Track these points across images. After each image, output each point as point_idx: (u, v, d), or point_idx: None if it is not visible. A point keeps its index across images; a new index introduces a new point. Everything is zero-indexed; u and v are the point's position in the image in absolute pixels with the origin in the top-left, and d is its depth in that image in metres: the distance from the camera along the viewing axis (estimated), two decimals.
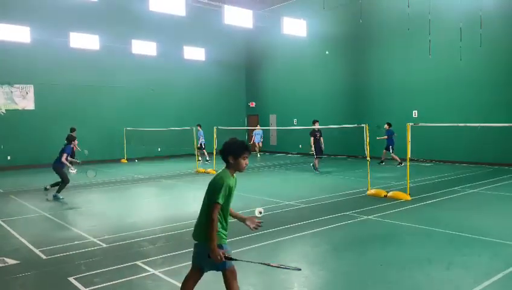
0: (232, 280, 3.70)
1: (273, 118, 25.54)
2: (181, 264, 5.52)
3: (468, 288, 4.55)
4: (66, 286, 4.92)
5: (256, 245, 6.34)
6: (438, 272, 5.10)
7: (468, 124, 12.04)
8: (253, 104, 26.85)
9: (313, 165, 15.31)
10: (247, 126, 26.20)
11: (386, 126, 16.75)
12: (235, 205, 9.71)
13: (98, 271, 5.34)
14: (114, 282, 4.97)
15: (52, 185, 11.03)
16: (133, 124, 21.43)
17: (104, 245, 6.55)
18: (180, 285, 4.73)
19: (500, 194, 10.20)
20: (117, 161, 21.07)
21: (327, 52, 21.68)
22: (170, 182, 13.61)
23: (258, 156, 21.68)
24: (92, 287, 4.80)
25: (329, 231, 7.20)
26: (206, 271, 3.77)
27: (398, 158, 16.28)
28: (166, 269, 5.36)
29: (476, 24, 15.31)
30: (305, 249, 6.42)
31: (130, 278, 5.09)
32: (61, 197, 10.59)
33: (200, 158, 19.92)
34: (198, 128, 19.60)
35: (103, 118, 21.18)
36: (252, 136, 23.27)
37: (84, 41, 19.14)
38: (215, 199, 3.62)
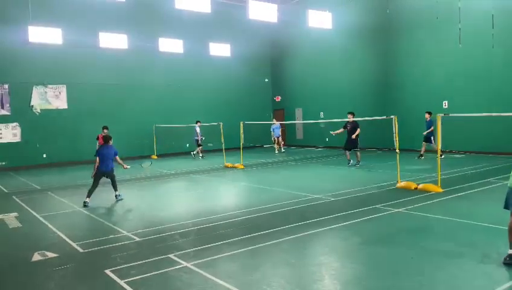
0: None
1: (299, 112, 25.45)
2: (212, 257, 5.64)
3: (504, 282, 4.47)
4: (103, 277, 5.12)
5: (287, 238, 6.39)
6: (472, 265, 5.01)
7: (501, 114, 11.65)
8: (278, 99, 26.81)
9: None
10: (273, 121, 26.18)
11: (426, 116, 15.94)
12: (262, 199, 9.84)
13: (133, 264, 5.52)
14: (149, 274, 5.13)
15: (115, 188, 10.34)
16: (162, 121, 21.82)
17: (138, 239, 6.75)
18: (214, 278, 4.89)
19: None
20: (147, 157, 21.51)
21: (266, 80, 21.35)
22: (200, 177, 13.82)
23: (283, 150, 21.62)
24: (128, 279, 4.97)
25: (359, 224, 7.17)
26: None
27: (423, 150, 15.93)
28: (198, 261, 5.49)
29: (509, 10, 14.75)
30: (335, 242, 6.42)
31: (164, 270, 5.24)
32: (122, 197, 10.25)
33: (194, 153, 20.18)
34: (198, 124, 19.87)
35: (133, 116, 21.67)
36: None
37: (112, 41, 19.59)
38: None
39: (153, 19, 22.00)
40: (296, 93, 25.52)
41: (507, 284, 4.40)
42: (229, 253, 5.82)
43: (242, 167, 15.59)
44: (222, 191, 11.51)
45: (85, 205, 9.60)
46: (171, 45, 21.65)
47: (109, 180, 10.31)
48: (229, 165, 16.03)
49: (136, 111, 21.76)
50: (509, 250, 4.86)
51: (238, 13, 22.14)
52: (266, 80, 21.84)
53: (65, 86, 20.04)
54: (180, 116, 22.44)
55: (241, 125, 16.35)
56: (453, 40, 16.61)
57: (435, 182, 9.88)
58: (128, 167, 10.81)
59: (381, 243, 6.09)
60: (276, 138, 22.12)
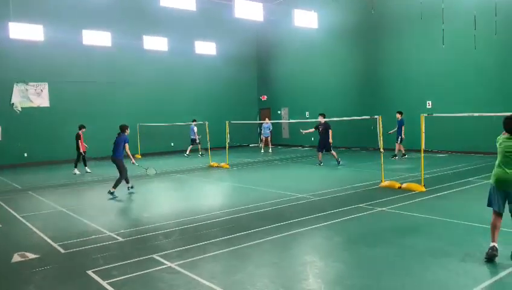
0: None
1: (285, 111, 25.50)
2: (196, 257, 5.60)
3: (485, 279, 4.53)
4: (84, 279, 5.03)
5: (271, 237, 6.38)
6: (455, 263, 5.07)
7: (482, 114, 11.85)
8: (264, 98, 26.82)
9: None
10: (259, 120, 26.19)
11: (398, 116, 16.31)
12: (246, 198, 9.82)
13: (116, 264, 5.44)
14: (132, 275, 5.06)
15: (116, 182, 10.43)
16: (146, 120, 21.62)
17: (121, 239, 6.66)
18: (198, 278, 4.85)
19: None
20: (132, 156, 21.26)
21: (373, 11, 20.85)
22: (184, 177, 13.72)
23: (270, 151, 21.59)
24: (110, 280, 4.89)
25: (343, 223, 7.20)
26: None
27: (403, 149, 16.12)
28: (182, 262, 5.44)
29: (491, 11, 15.01)
30: (319, 241, 6.44)
31: (147, 271, 5.18)
32: (116, 196, 10.13)
33: (200, 153, 20.11)
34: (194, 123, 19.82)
35: (116, 114, 21.35)
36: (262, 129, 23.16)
37: (96, 38, 19.31)
38: None
39: (137, 16, 21.77)
40: (282, 93, 25.56)
41: (489, 281, 4.47)
42: (212, 253, 5.78)
43: (227, 166, 15.54)
44: (206, 191, 11.45)
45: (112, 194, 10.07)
46: (155, 43, 21.44)
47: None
48: (214, 164, 15.96)
49: (120, 109, 21.48)
50: (491, 243, 4.94)
51: (223, 11, 22.07)
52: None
53: (47, 83, 19.69)
54: (164, 115, 22.27)
55: (227, 124, 16.30)
56: (436, 41, 16.83)
57: (418, 182, 10.00)
58: (135, 163, 10.73)
59: (365, 242, 6.12)
60: (264, 138, 22.11)
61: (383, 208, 8.07)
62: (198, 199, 10.33)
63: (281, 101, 25.67)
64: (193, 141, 20.17)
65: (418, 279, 4.68)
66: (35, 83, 19.42)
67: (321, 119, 14.90)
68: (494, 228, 5.08)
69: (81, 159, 15.52)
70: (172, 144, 22.46)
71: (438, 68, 17.57)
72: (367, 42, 20.56)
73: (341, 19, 21.40)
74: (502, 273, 4.65)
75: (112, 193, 10.22)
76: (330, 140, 14.68)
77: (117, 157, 10.35)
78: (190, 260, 5.53)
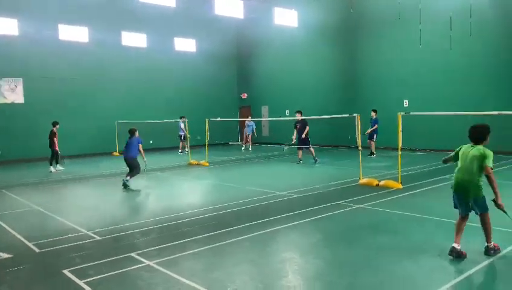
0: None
1: (265, 109, 25.54)
2: (175, 255, 5.55)
3: (458, 274, 4.64)
4: (60, 278, 4.93)
5: (250, 235, 6.38)
6: (430, 259, 5.17)
7: (458, 113, 12.14)
8: (245, 96, 26.80)
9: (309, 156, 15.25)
10: (239, 118, 26.15)
11: (372, 114, 16.55)
12: (226, 196, 9.78)
13: (93, 263, 5.34)
14: (109, 274, 4.98)
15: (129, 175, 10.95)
16: (125, 117, 21.29)
17: (98, 238, 6.55)
18: (177, 276, 4.81)
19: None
20: (109, 154, 20.97)
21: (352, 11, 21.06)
22: (163, 175, 13.58)
23: (250, 148, 21.58)
24: (87, 280, 4.80)
25: (322, 220, 7.26)
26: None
27: (374, 149, 16.37)
28: (161, 260, 5.38)
29: (466, 13, 15.37)
30: (298, 238, 6.47)
31: (125, 269, 5.10)
32: (128, 185, 10.73)
33: (187, 149, 20.01)
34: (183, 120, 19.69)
35: (94, 111, 21.03)
36: (245, 127, 23.14)
37: (73, 33, 18.94)
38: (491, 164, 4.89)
39: (115, 11, 21.39)
40: (262, 91, 25.58)
41: (462, 277, 4.57)
42: (192, 251, 5.74)
43: (207, 164, 15.46)
44: (186, 189, 11.36)
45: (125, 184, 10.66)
46: (134, 39, 21.19)
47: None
48: (194, 162, 15.86)
49: (97, 106, 21.13)
50: (454, 243, 5.06)
51: (203, 8, 21.90)
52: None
53: (21, 79, 19.17)
54: (143, 112, 21.99)
55: (207, 122, 16.22)
56: (413, 41, 17.13)
57: (396, 179, 10.15)
58: (146, 161, 11.24)
59: (343, 239, 6.19)
60: (246, 136, 22.08)
61: (361, 205, 8.18)
62: (177, 197, 10.25)
63: (261, 99, 25.69)
64: (180, 138, 20.04)
65: (394, 275, 4.76)
66: (9, 79, 18.88)
67: (298, 117, 14.96)
68: (458, 229, 5.20)
69: (55, 156, 15.18)
70: (151, 142, 22.17)
71: (415, 68, 17.88)
72: (346, 41, 20.76)
73: (321, 18, 21.54)
74: (474, 269, 4.77)
75: (126, 181, 10.84)
76: (303, 135, 14.70)
77: (131, 156, 10.99)
78: (169, 258, 5.48)
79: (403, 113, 10.16)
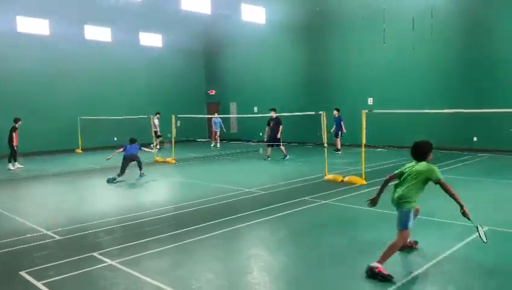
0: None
1: (233, 106, 25.48)
2: (138, 254, 5.46)
3: (419, 267, 4.80)
4: (17, 280, 4.74)
5: (217, 232, 6.35)
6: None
7: (419, 111, 12.55)
8: (213, 92, 26.63)
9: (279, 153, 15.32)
10: (207, 114, 25.97)
11: (335, 112, 16.90)
12: (192, 194, 9.68)
13: (52, 264, 5.17)
14: (69, 274, 4.84)
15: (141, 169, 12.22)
16: (88, 113, 20.71)
17: (58, 237, 6.34)
18: (139, 275, 4.73)
19: (449, 177, 10.73)
20: (71, 151, 20.34)
21: (318, 9, 21.03)
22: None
23: (218, 146, 21.45)
24: (46, 281, 4.64)
25: (288, 216, 7.32)
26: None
27: (339, 146, 16.71)
28: (124, 259, 5.27)
29: (427, 14, 15.87)
30: (264, 234, 6.50)
31: (86, 269, 4.97)
32: (145, 174, 12.21)
33: (158, 146, 19.71)
34: (158, 116, 19.39)
35: (56, 107, 20.33)
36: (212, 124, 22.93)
37: (32, 26, 18.21)
38: (441, 176, 4.78)
39: (78, 4, 20.69)
40: (231, 87, 25.49)
41: (423, 268, 4.73)
42: (156, 250, 5.65)
43: (173, 161, 15.27)
44: (151, 187, 11.17)
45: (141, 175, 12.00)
46: (98, 33, 20.62)
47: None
48: (160, 159, 15.63)
49: (59, 102, 20.44)
50: (375, 263, 4.59)
51: (170, 3, 21.55)
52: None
53: None
54: (108, 108, 21.46)
55: (173, 118, 16.02)
56: (378, 40, 17.53)
57: (360, 175, 10.38)
58: (109, 157, 12.44)
59: (309, 235, 6.27)
60: (214, 132, 21.90)
61: (327, 201, 8.31)
62: (141, 195, 10.08)
63: (229, 95, 25.60)
64: (155, 134, 19.73)
65: (358, 269, 4.86)
66: None
67: (273, 114, 15.02)
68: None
69: (13, 153, 14.58)
70: (115, 139, 21.68)
71: (380, 67, 18.31)
72: (313, 39, 20.99)
73: (288, 16, 21.67)
74: (434, 261, 4.94)
75: (142, 173, 12.18)
76: (278, 135, 14.82)
77: (136, 155, 12.17)
78: (132, 257, 5.37)
79: (366, 110, 10.38)
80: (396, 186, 5.03)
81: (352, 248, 5.56)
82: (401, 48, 17.45)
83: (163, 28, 23.88)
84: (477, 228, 4.71)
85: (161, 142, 20.27)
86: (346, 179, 10.33)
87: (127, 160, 11.97)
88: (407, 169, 4.99)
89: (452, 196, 4.67)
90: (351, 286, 4.41)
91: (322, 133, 11.21)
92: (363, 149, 10.43)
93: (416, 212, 5.11)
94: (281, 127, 14.84)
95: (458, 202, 4.65)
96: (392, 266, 4.91)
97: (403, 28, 17.08)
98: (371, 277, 4.46)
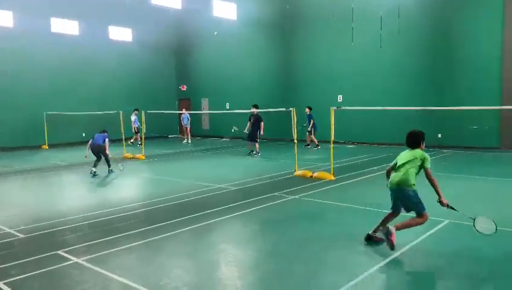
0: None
1: (205, 102, 25.33)
2: (105, 252, 5.39)
3: (381, 259, 4.94)
4: None
5: (186, 228, 6.34)
6: (356, 245, 5.46)
7: (386, 108, 12.87)
8: (184, 88, 26.39)
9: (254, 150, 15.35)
10: (178, 110, 25.71)
11: (306, 110, 17.16)
12: (162, 190, 9.61)
13: (15, 263, 5.03)
14: (33, 273, 4.73)
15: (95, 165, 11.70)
16: (55, 108, 20.13)
17: (22, 236, 6.17)
18: (105, 272, 4.68)
19: None
20: (37, 147, 19.75)
21: (216, 33, 21.55)
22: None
23: (189, 142, 21.28)
24: (8, 280, 4.52)
25: (258, 211, 7.38)
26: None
27: (316, 141, 16.99)
28: (90, 257, 5.19)
29: (395, 13, 16.25)
30: (234, 230, 6.54)
31: (50, 268, 4.86)
32: (121, 168, 12.00)
33: (139, 142, 19.52)
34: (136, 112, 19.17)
35: (21, 102, 19.65)
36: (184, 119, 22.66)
37: None
38: (430, 166, 5.16)
39: None
40: (203, 83, 25.32)
41: (384, 262, 4.88)
42: (124, 246, 5.59)
43: (143, 157, 15.07)
44: (119, 184, 10.99)
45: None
46: (65, 26, 20.04)
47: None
48: (129, 156, 15.39)
49: (24, 97, 19.76)
50: (394, 229, 5.14)
51: None
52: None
53: None
54: (76, 104, 20.93)
55: (143, 114, 15.79)
56: (347, 38, 17.80)
57: (329, 171, 10.56)
58: (109, 155, 11.98)
59: (278, 229, 6.35)
60: (184, 128, 21.71)
61: (296, 196, 8.42)
62: (110, 192, 9.92)
63: (201, 91, 25.43)
64: (135, 130, 19.45)
65: (324, 261, 4.99)
66: None
67: (254, 110, 15.06)
68: (384, 220, 5.44)
69: None
70: (83, 134, 21.18)
71: (349, 64, 18.61)
72: (284, 37, 21.11)
73: (259, 12, 21.71)
74: (396, 254, 5.11)
75: (111, 170, 11.88)
76: (261, 132, 14.89)
77: (101, 145, 11.71)
78: (99, 254, 5.30)
79: (335, 107, 10.56)
80: (395, 171, 5.36)
81: (318, 241, 5.67)
82: (369, 46, 17.79)
83: (133, 22, 23.45)
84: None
85: (140, 138, 19.99)
86: (315, 174, 10.49)
87: (93, 151, 11.71)
88: (402, 157, 5.35)
89: (435, 186, 5.09)
90: (318, 278, 4.51)
91: (292, 130, 11.31)
92: (332, 145, 10.62)
93: None
94: (261, 123, 14.88)
95: (437, 192, 5.08)
96: (360, 255, 5.06)
97: (371, 27, 17.41)
98: (384, 238, 5.13)
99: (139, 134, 19.63)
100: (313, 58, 19.91)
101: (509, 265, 4.72)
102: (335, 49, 18.97)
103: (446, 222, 6.27)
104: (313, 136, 17.16)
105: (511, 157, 13.59)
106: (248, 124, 15.23)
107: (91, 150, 11.72)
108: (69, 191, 10.37)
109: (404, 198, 5.24)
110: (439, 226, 6.09)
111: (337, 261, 4.98)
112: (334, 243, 5.59)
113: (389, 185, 5.42)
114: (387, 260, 4.91)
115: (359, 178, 10.35)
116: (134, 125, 19.83)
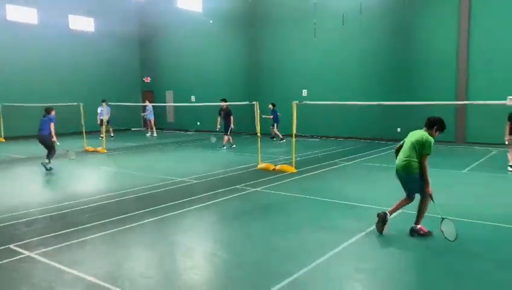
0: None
1: (169, 94, 25.03)
2: (59, 245, 5.31)
3: (334, 246, 5.13)
4: None
5: (143, 221, 6.32)
6: (310, 234, 5.64)
7: (345, 102, 13.20)
8: (148, 80, 25.96)
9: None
10: (142, 102, 25.27)
11: (270, 106, 17.43)
12: (122, 183, 9.50)
13: None
14: None
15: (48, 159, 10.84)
16: (12, 100, 19.35)
17: None
18: (58, 265, 4.61)
19: (371, 165, 11.44)
20: None
21: (211, 21, 21.53)
22: (54, 162, 12.62)
23: (155, 135, 20.97)
24: None
25: (218, 204, 7.44)
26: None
27: (280, 135, 17.23)
28: (43, 250, 5.11)
29: (357, 10, 16.58)
30: (193, 222, 6.57)
31: (0, 262, 4.75)
32: (50, 167, 10.75)
33: (111, 135, 19.14)
34: (104, 104, 18.63)
35: None
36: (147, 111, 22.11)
37: None
38: (429, 152, 5.25)
39: None
40: (167, 75, 25.00)
41: (336, 250, 5.05)
42: (78, 240, 5.52)
43: (104, 151, 14.78)
44: (78, 177, 10.76)
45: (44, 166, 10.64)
46: (22, 14, 19.24)
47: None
48: (90, 149, 15.05)
49: None
50: (414, 225, 5.44)
51: None
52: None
53: None
54: (34, 96, 20.17)
55: (104, 105, 15.45)
56: (309, 33, 18.01)
57: (291, 164, 10.73)
58: (57, 142, 11.14)
59: (237, 221, 6.44)
60: (149, 121, 21.33)
61: (257, 189, 8.53)
62: (67, 186, 9.69)
63: (165, 83, 25.11)
64: (106, 122, 18.86)
65: (280, 250, 5.12)
66: None
67: (223, 104, 15.08)
68: (398, 203, 5.61)
69: None
70: None
71: (312, 59, 18.86)
72: (250, 30, 21.12)
73: (224, 6, 21.60)
74: (349, 241, 5.30)
75: (46, 164, 10.76)
76: (232, 125, 14.95)
77: (45, 134, 10.84)
78: (52, 247, 5.22)
79: (297, 101, 10.72)
80: (399, 154, 5.57)
81: (274, 232, 5.80)
82: (331, 42, 18.07)
83: (95, 12, 22.81)
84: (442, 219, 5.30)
85: (112, 130, 19.58)
86: (277, 167, 10.64)
87: (39, 141, 10.89)
88: (410, 136, 5.54)
89: (424, 174, 5.27)
90: (270, 267, 4.62)
91: (256, 123, 11.40)
92: (294, 139, 10.79)
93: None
94: (231, 117, 14.95)
95: (425, 180, 5.26)
96: (312, 244, 5.21)
97: (333, 23, 17.67)
98: (413, 235, 5.37)
99: (108, 125, 19.20)
100: (279, 52, 20.05)
101: (458, 244, 5.00)
102: (299, 44, 19.16)
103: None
104: (276, 130, 17.36)
105: (464, 150, 14.25)
106: (219, 119, 15.26)
107: (38, 140, 10.92)
108: (24, 184, 10.04)
109: (408, 182, 5.45)
110: (391, 216, 6.33)
111: (290, 250, 5.11)
112: (289, 233, 5.73)
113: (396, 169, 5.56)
114: (339, 248, 5.10)
115: (319, 171, 10.58)
116: (100, 118, 19.25)
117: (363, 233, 5.62)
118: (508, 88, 14.10)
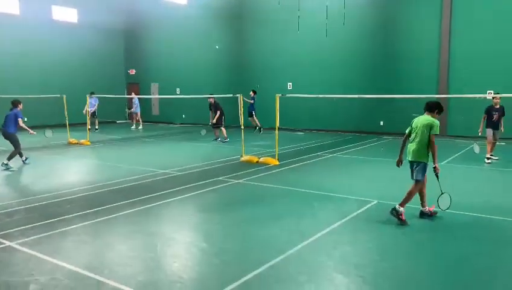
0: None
1: (155, 86, 24.90)
2: (40, 235, 5.35)
3: (311, 234, 5.27)
4: None
5: (124, 212, 6.38)
6: (290, 224, 5.78)
7: (326, 96, 13.34)
8: (133, 72, 25.77)
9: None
10: (127, 94, 25.09)
11: (251, 93, 17.80)
12: (105, 175, 9.51)
13: None
14: None
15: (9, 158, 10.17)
16: None
17: None
18: (38, 255, 4.66)
19: (352, 157, 11.64)
20: None
21: (217, 47, 21.62)
22: (36, 154, 12.52)
23: (140, 127, 20.81)
24: None
25: (200, 195, 7.52)
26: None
27: (259, 124, 17.42)
28: (24, 240, 5.15)
29: (341, 3, 16.69)
30: (174, 213, 6.65)
31: None
32: (11, 167, 10.03)
33: (96, 127, 18.97)
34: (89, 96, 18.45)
35: None
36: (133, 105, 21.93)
37: None
38: (437, 132, 5.65)
39: None
40: (152, 68, 24.84)
41: (313, 238, 5.20)
42: (61, 230, 5.57)
43: (88, 143, 14.70)
44: (61, 169, 10.70)
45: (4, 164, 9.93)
46: (3, 4, 18.90)
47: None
48: (74, 141, 14.93)
49: None
50: (397, 205, 5.71)
51: None
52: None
53: None
54: (16, 87, 19.86)
55: (87, 98, 15.35)
56: (293, 26, 18.07)
57: (274, 156, 10.85)
58: (34, 133, 10.76)
59: (217, 211, 6.54)
60: (134, 114, 21.14)
61: (240, 181, 8.63)
62: (50, 177, 9.64)
63: (151, 76, 24.95)
64: (93, 114, 18.68)
65: (259, 239, 5.24)
66: None
67: (211, 100, 15.15)
68: (421, 194, 5.96)
69: None
70: (25, 119, 20.19)
71: (296, 53, 18.95)
72: (235, 23, 21.10)
73: None
74: (326, 229, 5.46)
75: (6, 165, 9.99)
76: (213, 120, 15.02)
77: (9, 132, 10.29)
78: (34, 237, 5.25)
79: (280, 94, 10.82)
80: (410, 142, 5.93)
81: (255, 222, 5.92)
82: (315, 35, 18.13)
83: (78, 2, 22.47)
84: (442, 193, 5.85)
85: (97, 122, 19.46)
86: (261, 159, 10.75)
87: (4, 137, 10.30)
88: (414, 124, 5.91)
89: (433, 153, 5.68)
90: (249, 255, 4.74)
91: (239, 116, 11.47)
92: (277, 132, 10.91)
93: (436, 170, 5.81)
94: (218, 113, 14.96)
95: (434, 158, 5.70)
96: (291, 233, 5.34)
97: (317, 16, 17.70)
98: (394, 216, 5.64)
99: (95, 118, 19.09)
100: (264, 45, 20.09)
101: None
102: (284, 37, 19.23)
103: (375, 202, 6.72)
104: (255, 118, 17.54)
105: (444, 143, 14.54)
106: (211, 114, 15.36)
107: (3, 136, 10.38)
108: (5, 176, 9.97)
109: (414, 166, 5.82)
110: (368, 206, 6.53)
111: (269, 239, 5.23)
112: (269, 222, 5.86)
113: (407, 157, 5.89)
114: (317, 235, 5.24)
115: (302, 163, 10.72)
116: (90, 109, 19.00)
117: (339, 222, 5.78)
118: (488, 80, 14.51)
